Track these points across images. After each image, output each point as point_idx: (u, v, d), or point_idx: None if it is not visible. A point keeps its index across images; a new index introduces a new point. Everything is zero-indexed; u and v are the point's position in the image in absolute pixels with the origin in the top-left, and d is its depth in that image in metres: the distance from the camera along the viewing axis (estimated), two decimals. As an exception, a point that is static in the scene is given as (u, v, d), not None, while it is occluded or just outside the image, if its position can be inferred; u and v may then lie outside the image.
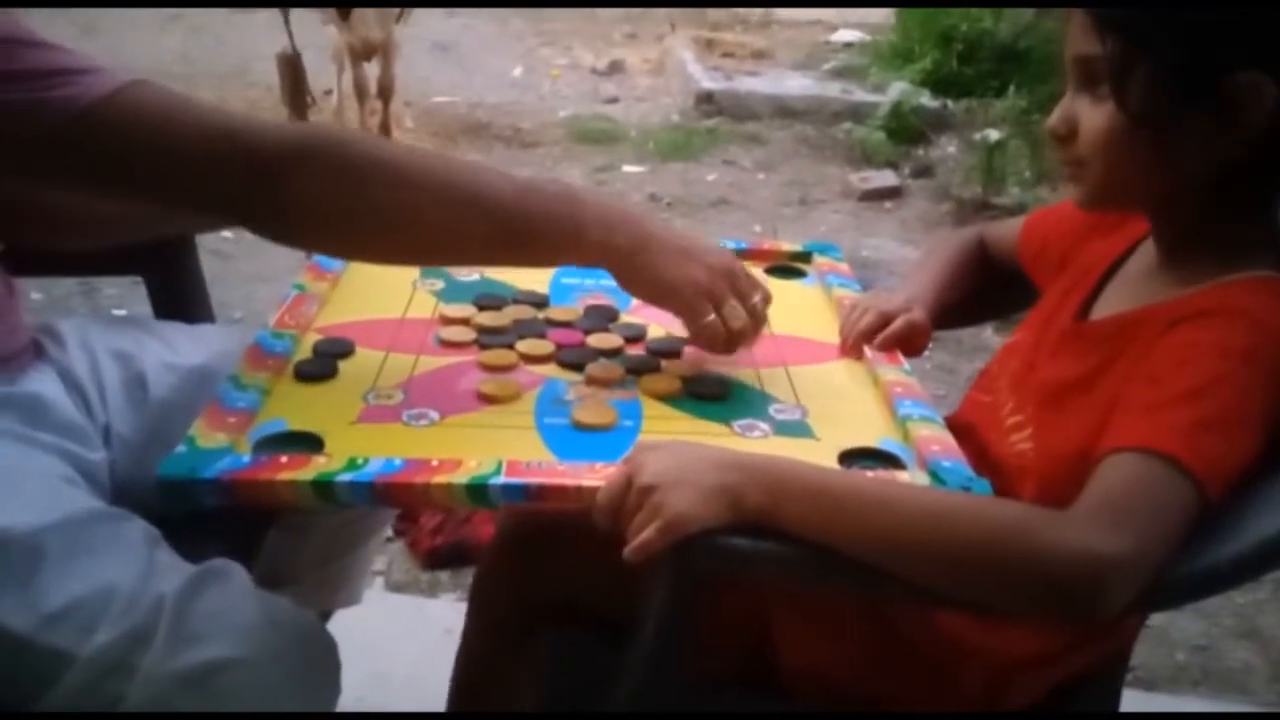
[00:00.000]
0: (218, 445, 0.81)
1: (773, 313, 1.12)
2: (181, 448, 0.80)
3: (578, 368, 0.98)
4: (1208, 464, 0.73)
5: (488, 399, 0.92)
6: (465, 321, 1.05)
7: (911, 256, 3.16)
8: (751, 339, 0.97)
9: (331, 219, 0.87)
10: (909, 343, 1.03)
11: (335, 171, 0.85)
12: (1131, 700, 0.99)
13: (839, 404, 0.96)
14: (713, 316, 0.93)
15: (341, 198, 0.86)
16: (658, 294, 0.94)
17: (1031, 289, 1.07)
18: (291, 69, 4.38)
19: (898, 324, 1.03)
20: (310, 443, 0.84)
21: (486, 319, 1.05)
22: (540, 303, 1.11)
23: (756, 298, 0.96)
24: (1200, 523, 0.73)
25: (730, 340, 0.94)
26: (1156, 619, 1.71)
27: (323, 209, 0.86)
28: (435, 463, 0.80)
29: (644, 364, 0.99)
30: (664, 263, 0.92)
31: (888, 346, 1.02)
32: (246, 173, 0.84)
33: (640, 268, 0.92)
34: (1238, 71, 0.77)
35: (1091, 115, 0.83)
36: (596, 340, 1.03)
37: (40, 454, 0.90)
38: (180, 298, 1.21)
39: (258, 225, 0.88)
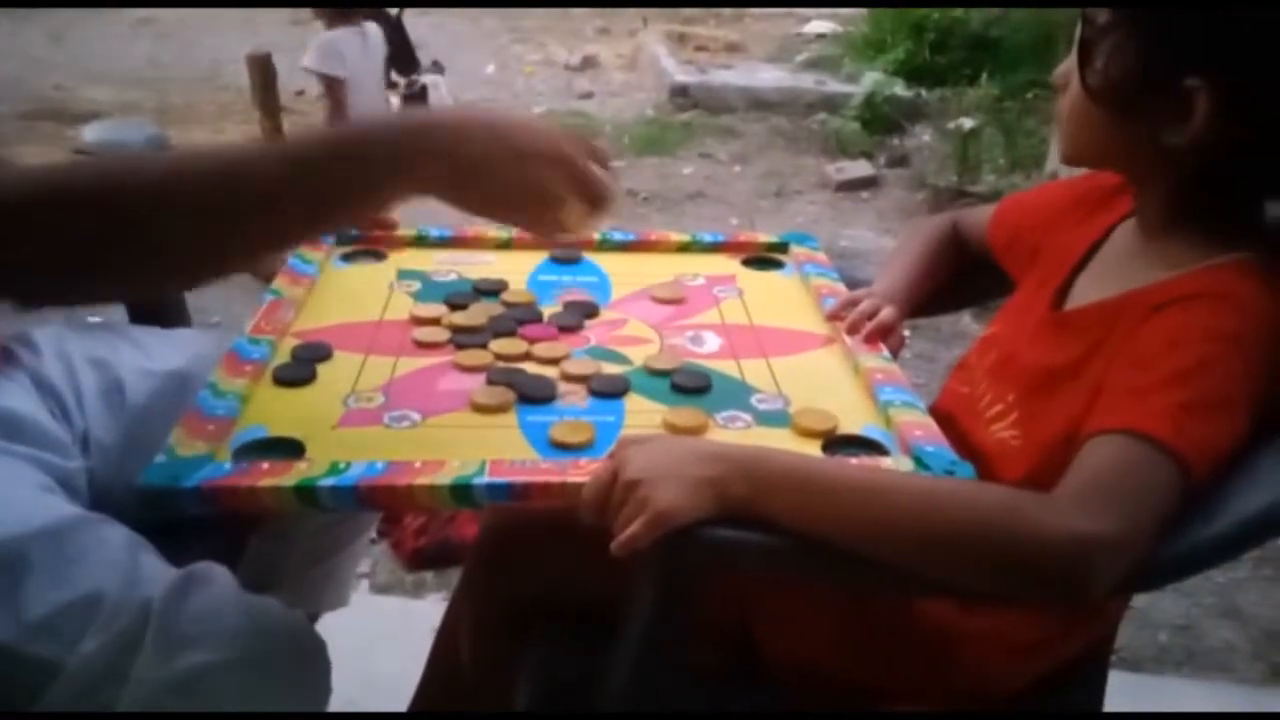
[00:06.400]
0: (198, 453, 0.80)
1: (752, 304, 1.13)
2: (161, 457, 0.79)
3: (553, 364, 0.97)
4: (1193, 446, 0.73)
5: (480, 409, 0.90)
6: (436, 321, 1.04)
7: (888, 245, 3.17)
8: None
9: (98, 263, 0.78)
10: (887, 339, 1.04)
11: (95, 212, 0.77)
12: (1116, 681, 1.00)
13: (820, 393, 0.96)
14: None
15: (106, 237, 0.77)
16: (496, 211, 0.88)
17: (1005, 275, 1.08)
18: (262, 70, 4.36)
19: (885, 313, 1.04)
20: (291, 448, 0.83)
21: (458, 318, 1.04)
22: (495, 290, 1.10)
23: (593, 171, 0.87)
24: (1187, 504, 0.73)
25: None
26: (1138, 600, 1.72)
27: (86, 255, 0.78)
28: (418, 464, 0.80)
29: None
30: (499, 177, 0.84)
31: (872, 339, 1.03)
32: None
33: (471, 188, 0.84)
34: (1188, 75, 0.79)
35: (1074, 77, 0.86)
36: (571, 337, 1.02)
37: (17, 464, 0.90)
38: (155, 303, 1.20)
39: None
